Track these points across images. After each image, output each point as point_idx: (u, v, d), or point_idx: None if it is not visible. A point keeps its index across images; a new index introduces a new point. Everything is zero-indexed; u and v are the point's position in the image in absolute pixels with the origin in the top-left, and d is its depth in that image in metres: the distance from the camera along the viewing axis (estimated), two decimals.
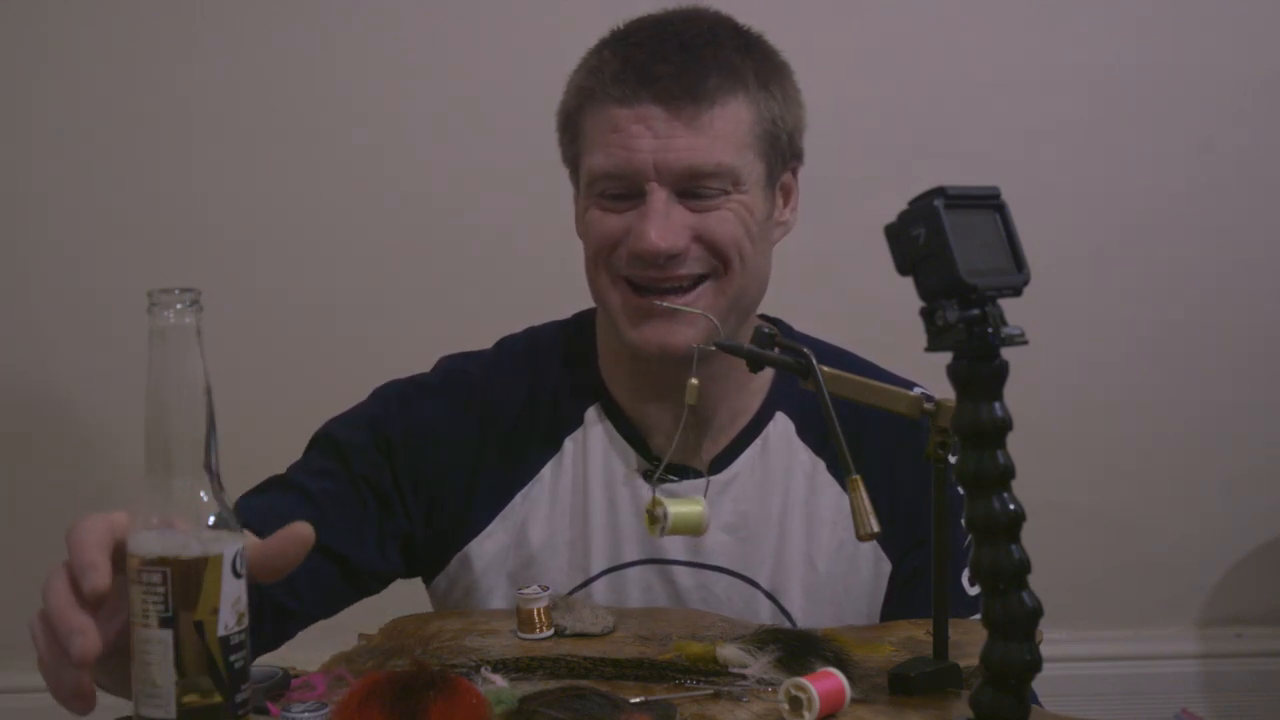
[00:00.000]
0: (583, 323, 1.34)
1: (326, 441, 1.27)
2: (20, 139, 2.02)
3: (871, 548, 1.25)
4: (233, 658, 0.77)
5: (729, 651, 0.98)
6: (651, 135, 1.16)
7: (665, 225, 1.16)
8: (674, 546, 1.25)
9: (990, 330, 0.77)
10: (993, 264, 0.79)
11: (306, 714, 0.84)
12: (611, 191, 1.19)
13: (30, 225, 2.03)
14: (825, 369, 0.98)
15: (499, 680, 0.93)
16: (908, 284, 0.78)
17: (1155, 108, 2.08)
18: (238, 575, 0.78)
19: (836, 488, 1.25)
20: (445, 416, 1.27)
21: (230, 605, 0.77)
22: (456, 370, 1.32)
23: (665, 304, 1.17)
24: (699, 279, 1.19)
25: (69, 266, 2.03)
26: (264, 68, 2.01)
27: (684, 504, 0.99)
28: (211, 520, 0.78)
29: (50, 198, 2.03)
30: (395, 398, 1.29)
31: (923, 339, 0.78)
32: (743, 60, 1.20)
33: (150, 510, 0.78)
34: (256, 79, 2.01)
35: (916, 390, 1.27)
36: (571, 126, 1.24)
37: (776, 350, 1.01)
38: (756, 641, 0.99)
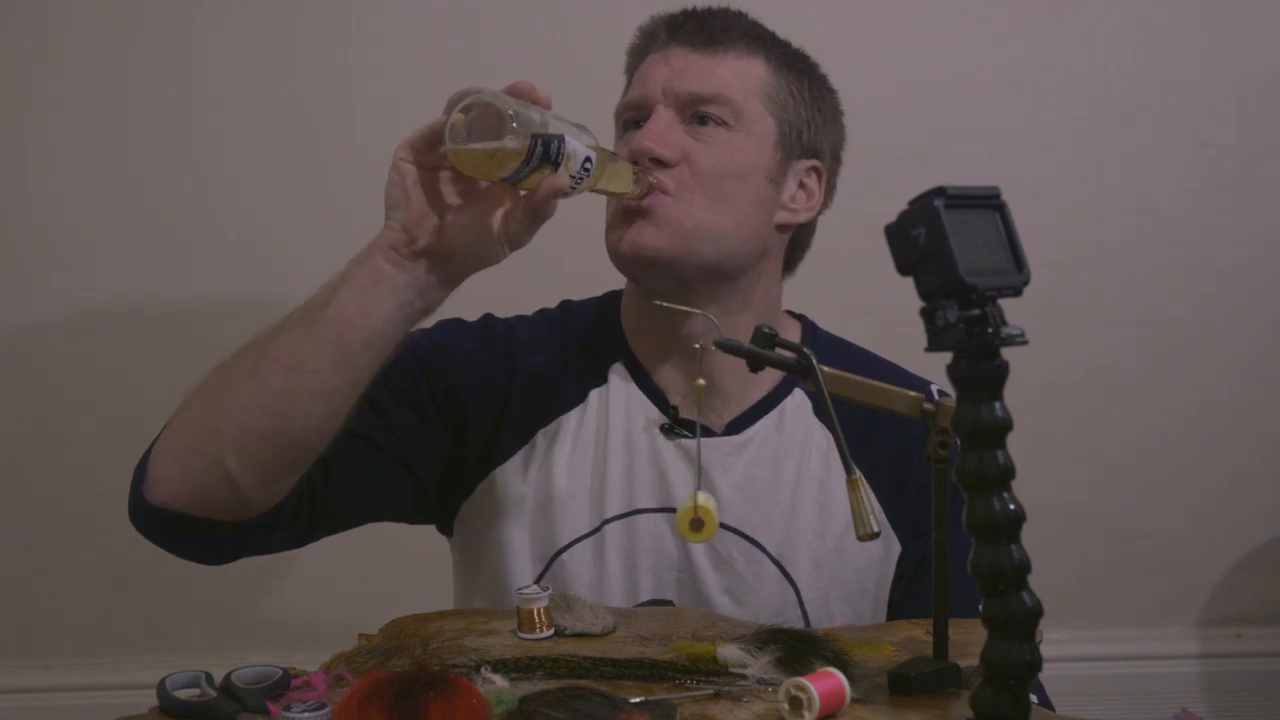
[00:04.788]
0: (613, 295, 1.42)
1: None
2: (20, 139, 2.02)
3: (882, 528, 1.28)
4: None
5: (729, 651, 0.98)
6: (668, 69, 1.29)
7: (659, 132, 1.27)
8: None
9: (990, 330, 0.77)
10: (993, 264, 0.79)
11: (306, 714, 0.84)
12: (629, 119, 1.32)
13: (29, 226, 2.03)
14: (825, 369, 0.98)
15: (499, 680, 0.93)
16: (908, 284, 0.78)
17: (1155, 108, 2.07)
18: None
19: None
20: (478, 350, 1.35)
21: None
22: (493, 319, 1.41)
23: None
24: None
25: (69, 266, 2.03)
26: (265, 67, 2.01)
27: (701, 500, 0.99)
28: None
29: (49, 199, 2.02)
30: (434, 327, 1.37)
31: (923, 339, 0.78)
32: (770, 38, 1.34)
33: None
34: (257, 78, 2.01)
35: (933, 387, 1.30)
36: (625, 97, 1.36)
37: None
38: (756, 641, 0.99)
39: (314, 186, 2.02)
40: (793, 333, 1.40)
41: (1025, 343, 0.78)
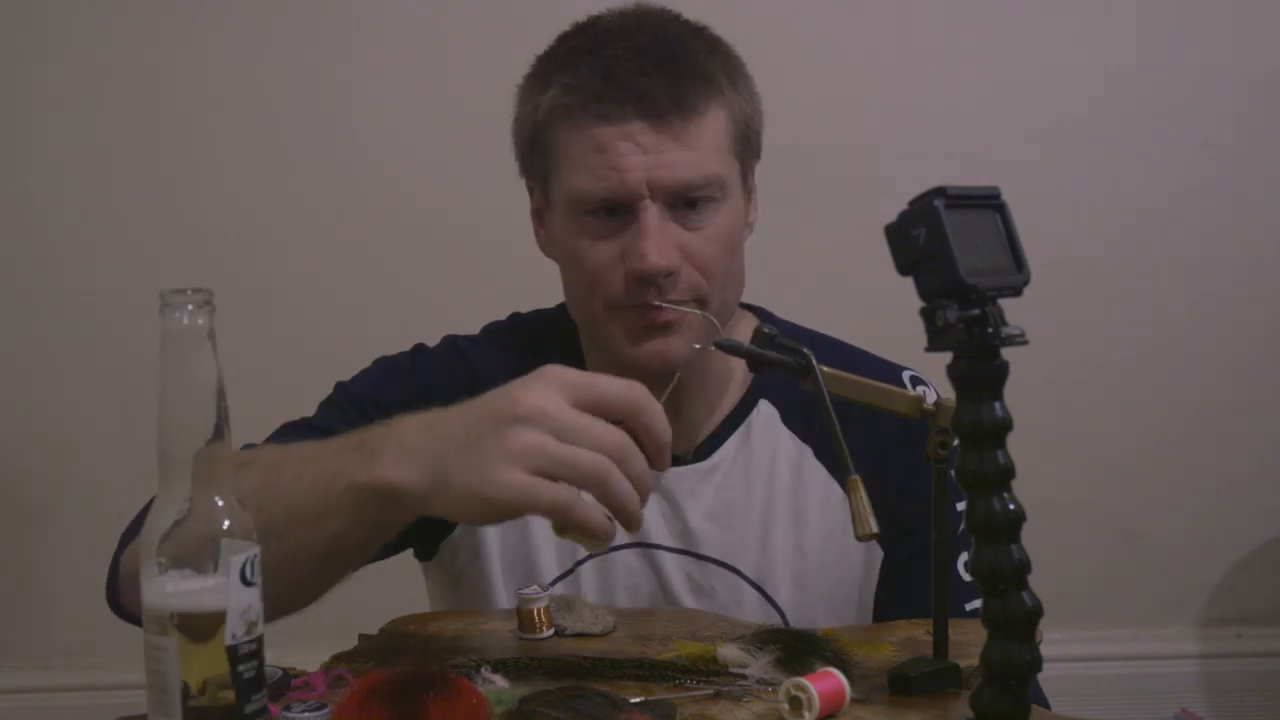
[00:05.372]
0: (564, 309, 1.33)
1: (345, 397, 1.27)
2: (20, 140, 2.02)
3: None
4: (241, 667, 0.77)
5: (729, 651, 0.98)
6: (641, 152, 1.14)
7: (662, 243, 1.15)
8: (659, 532, 1.25)
9: (990, 330, 0.77)
10: (993, 264, 0.79)
11: (306, 714, 0.84)
12: (594, 211, 1.17)
13: (30, 227, 2.03)
14: (825, 369, 0.98)
15: (499, 680, 0.93)
16: (908, 284, 0.78)
17: (1155, 108, 2.08)
18: (248, 584, 0.78)
19: (824, 474, 1.26)
20: (444, 392, 1.26)
21: (238, 615, 0.77)
22: (456, 350, 1.31)
23: (666, 305, 1.17)
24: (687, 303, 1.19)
25: (69, 268, 2.03)
26: (265, 67, 2.01)
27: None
28: (225, 525, 0.78)
29: (50, 199, 2.03)
30: (396, 369, 1.30)
31: (922, 339, 0.78)
32: (709, 62, 1.19)
33: (165, 516, 0.78)
34: (257, 78, 2.01)
35: (906, 374, 1.28)
36: (541, 143, 1.21)
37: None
38: (756, 641, 0.99)
39: (315, 186, 2.03)
40: (748, 324, 1.32)
41: (1025, 343, 0.78)
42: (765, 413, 1.29)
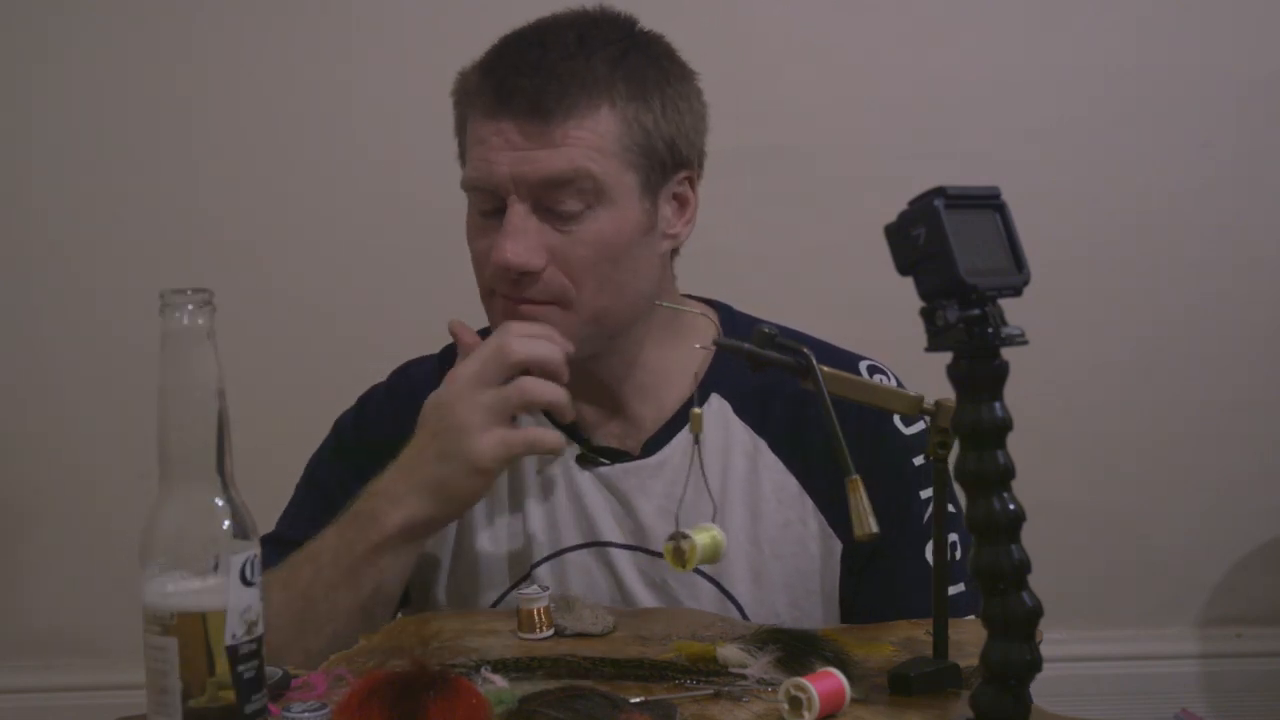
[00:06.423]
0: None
1: (311, 487, 1.32)
2: (20, 140, 2.02)
3: (819, 526, 1.24)
4: (241, 667, 0.77)
5: (729, 651, 0.98)
6: (510, 149, 1.17)
7: (520, 241, 1.17)
8: (611, 530, 1.26)
9: (990, 330, 0.77)
10: (993, 264, 0.79)
11: (306, 714, 0.84)
12: (482, 206, 1.21)
13: (30, 226, 2.03)
14: (825, 369, 0.98)
15: (499, 680, 0.93)
16: (908, 284, 0.78)
17: (1155, 108, 2.08)
18: (248, 584, 0.78)
19: (780, 466, 1.25)
20: (394, 423, 1.27)
21: (238, 615, 0.77)
22: (404, 378, 1.35)
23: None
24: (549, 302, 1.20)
25: (69, 267, 2.03)
26: (264, 67, 2.02)
27: (702, 533, 0.97)
28: (225, 525, 0.78)
29: (50, 198, 2.03)
30: (351, 417, 1.35)
31: (921, 339, 0.78)
32: (611, 70, 1.19)
33: (165, 516, 0.78)
34: (257, 78, 2.02)
35: (864, 364, 1.27)
36: (459, 140, 1.26)
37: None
38: (756, 641, 0.99)
39: (315, 186, 2.03)
40: (705, 320, 1.32)
41: (1025, 343, 0.78)
42: (716, 407, 1.27)
